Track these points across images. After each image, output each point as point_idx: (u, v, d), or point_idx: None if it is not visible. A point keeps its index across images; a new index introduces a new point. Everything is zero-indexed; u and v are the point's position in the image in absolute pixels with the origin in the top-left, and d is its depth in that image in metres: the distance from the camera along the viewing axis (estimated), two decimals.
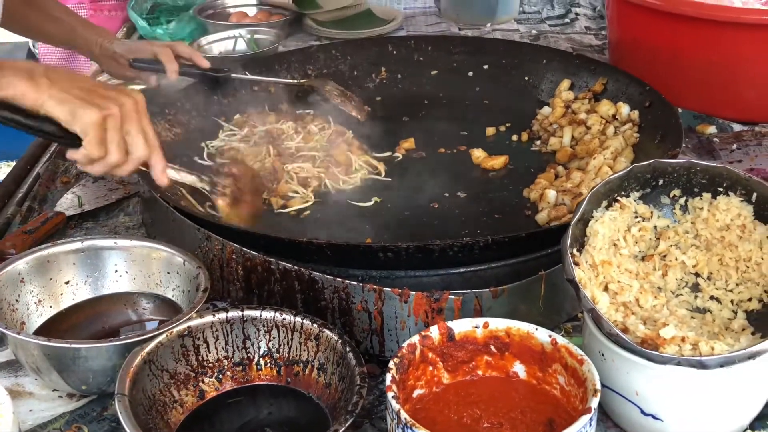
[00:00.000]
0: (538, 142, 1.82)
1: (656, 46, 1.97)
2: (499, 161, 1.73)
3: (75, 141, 1.25)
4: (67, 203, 1.67)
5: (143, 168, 1.33)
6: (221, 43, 2.35)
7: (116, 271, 1.34)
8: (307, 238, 1.31)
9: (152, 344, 1.12)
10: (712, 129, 1.91)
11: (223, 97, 1.90)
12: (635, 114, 1.75)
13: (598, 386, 1.03)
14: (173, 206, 1.43)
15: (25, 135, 1.29)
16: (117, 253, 1.33)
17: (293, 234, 1.48)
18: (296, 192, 1.63)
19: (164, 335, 1.14)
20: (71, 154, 1.27)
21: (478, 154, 1.75)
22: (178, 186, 1.58)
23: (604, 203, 1.22)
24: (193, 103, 1.84)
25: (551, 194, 1.54)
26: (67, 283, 1.32)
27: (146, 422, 1.07)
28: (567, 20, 2.62)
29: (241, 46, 2.37)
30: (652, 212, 1.25)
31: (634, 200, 1.24)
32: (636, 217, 1.24)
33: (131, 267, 1.34)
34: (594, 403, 1.00)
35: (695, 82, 1.94)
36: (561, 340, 1.11)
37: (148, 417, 1.09)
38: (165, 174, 1.35)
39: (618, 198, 1.23)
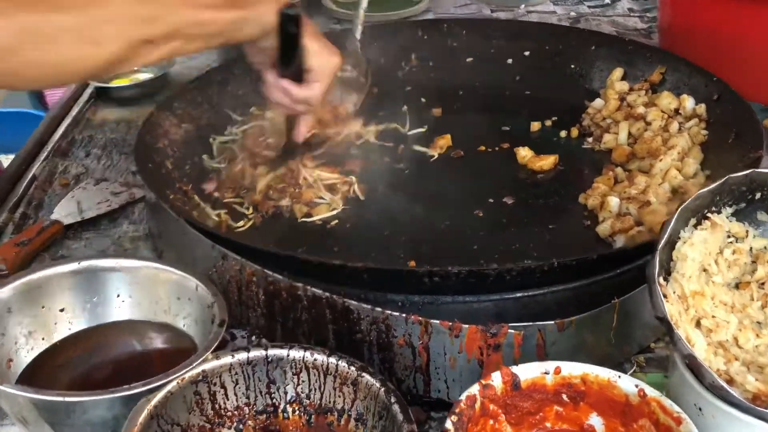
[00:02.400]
0: (590, 139, 1.62)
1: (717, 29, 1.76)
2: (548, 161, 1.54)
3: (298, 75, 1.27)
4: (65, 209, 1.49)
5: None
6: None
7: (118, 296, 1.16)
8: (341, 260, 1.12)
9: (160, 395, 0.94)
10: None
11: (237, 89, 1.71)
12: (701, 108, 1.55)
13: None
14: (184, 218, 1.24)
15: (25, 126, 1.13)
16: (119, 276, 1.15)
17: (321, 251, 1.30)
18: (322, 198, 1.44)
19: (175, 383, 0.96)
20: (290, 87, 1.28)
21: (524, 153, 1.56)
22: (190, 193, 1.41)
23: (693, 221, 1.03)
24: (205, 96, 1.65)
25: (614, 202, 1.35)
26: (62, 310, 1.14)
27: None
28: (608, 1, 2.41)
29: None
30: (747, 231, 1.06)
31: (727, 217, 1.05)
32: (728, 236, 1.06)
33: (136, 291, 1.16)
34: None
35: (763, 70, 1.73)
36: (651, 392, 0.92)
37: None
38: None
39: (708, 215, 1.04)
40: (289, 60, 1.26)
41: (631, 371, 1.15)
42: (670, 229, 1.00)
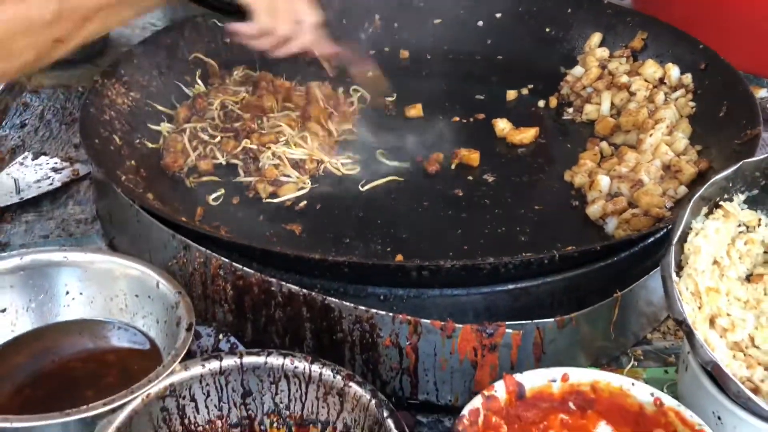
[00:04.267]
0: (570, 110, 1.53)
1: None
2: (528, 134, 1.44)
3: (241, 15, 1.21)
4: (1, 189, 1.34)
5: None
6: None
7: (68, 293, 1.03)
8: (320, 255, 1.01)
9: (123, 415, 0.83)
10: (763, 92, 1.65)
11: (188, 53, 1.56)
12: (688, 78, 1.47)
13: None
14: (139, 204, 1.11)
15: None
16: (68, 270, 1.03)
17: (290, 237, 1.19)
18: (288, 176, 1.32)
19: (139, 400, 0.85)
20: (240, 27, 1.23)
21: (502, 125, 1.46)
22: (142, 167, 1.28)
23: (704, 210, 0.95)
24: (154, 61, 1.50)
25: (604, 182, 1.26)
26: (2, 311, 1.01)
27: None
28: None
29: None
30: (759, 220, 0.99)
31: (739, 204, 0.98)
32: (739, 225, 0.98)
33: (87, 287, 1.04)
34: None
35: (743, 37, 1.66)
36: (668, 401, 0.85)
37: None
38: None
39: (721, 203, 0.96)
40: (218, 7, 1.22)
41: (629, 366, 1.08)
42: (686, 221, 0.91)
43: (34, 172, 1.39)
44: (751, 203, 0.99)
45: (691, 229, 0.94)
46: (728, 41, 1.62)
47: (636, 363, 1.09)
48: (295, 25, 1.25)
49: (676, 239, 0.90)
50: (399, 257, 1.13)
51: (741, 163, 0.95)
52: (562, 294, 1.08)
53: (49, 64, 1.07)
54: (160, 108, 1.45)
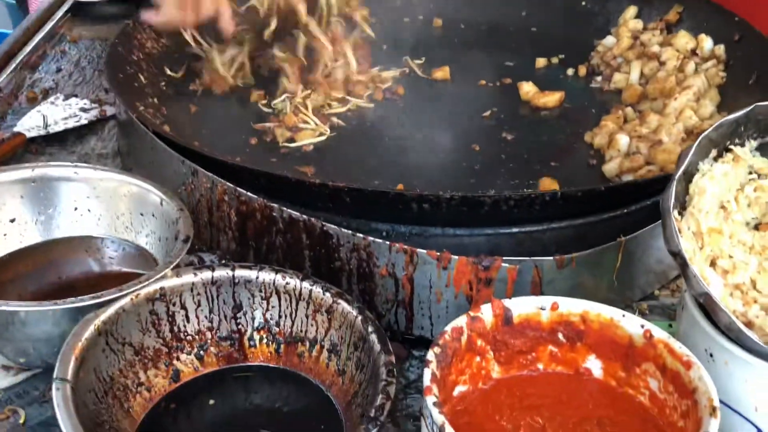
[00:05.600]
0: (599, 78, 1.52)
1: None
2: (553, 98, 1.43)
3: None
4: (29, 123, 1.38)
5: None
6: None
7: (76, 209, 1.05)
8: (321, 179, 1.02)
9: (110, 310, 0.84)
10: None
11: None
12: (720, 49, 1.44)
13: (716, 402, 0.75)
14: (153, 130, 1.13)
15: None
16: (77, 186, 1.05)
17: (302, 174, 1.20)
18: (307, 122, 1.33)
19: (128, 299, 0.86)
20: (151, 17, 1.28)
21: (527, 88, 1.45)
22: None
23: (713, 153, 0.93)
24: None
25: (623, 140, 1.24)
26: (12, 221, 1.03)
27: (98, 412, 0.80)
28: None
29: None
30: None
31: (750, 151, 0.95)
32: (750, 172, 0.95)
33: (96, 204, 1.05)
34: (712, 427, 0.73)
35: None
36: (658, 333, 0.83)
37: (101, 406, 0.81)
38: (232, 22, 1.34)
39: (731, 147, 0.94)
40: None
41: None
42: (689, 159, 0.89)
43: (63, 111, 1.42)
44: (764, 150, 0.96)
45: (698, 170, 0.92)
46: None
47: (641, 316, 1.07)
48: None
49: (678, 175, 0.88)
50: (400, 186, 1.12)
51: (754, 105, 0.93)
52: (569, 243, 1.06)
53: None
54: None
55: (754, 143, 0.95)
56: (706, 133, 0.91)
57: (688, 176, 0.91)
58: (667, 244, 0.85)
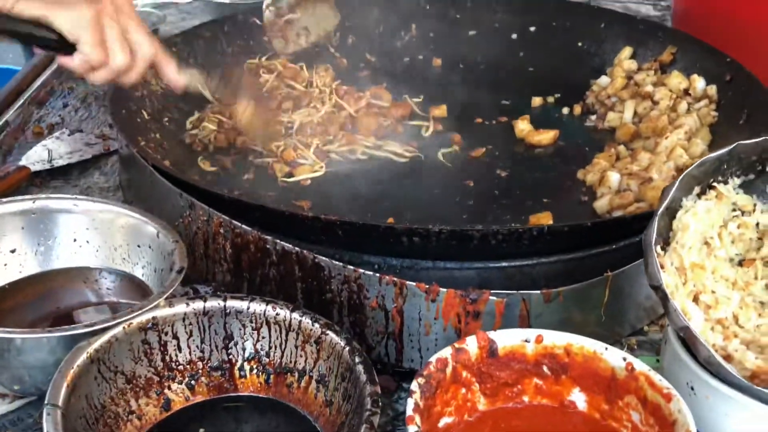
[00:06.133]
0: (593, 117, 1.54)
1: (733, 13, 1.68)
2: (547, 136, 1.45)
3: (69, 47, 1.08)
4: (35, 156, 1.41)
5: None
6: None
7: (75, 240, 1.08)
8: (314, 212, 1.04)
9: (103, 339, 0.86)
10: None
11: (227, 45, 1.63)
12: (712, 89, 1.46)
13: None
14: (152, 164, 1.16)
15: None
16: (77, 218, 1.08)
17: (298, 208, 1.22)
18: (305, 158, 1.36)
19: (120, 328, 0.88)
20: (66, 61, 1.10)
21: (522, 126, 1.47)
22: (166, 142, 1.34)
23: (696, 190, 0.95)
24: (192, 50, 1.57)
25: (614, 177, 1.27)
26: (12, 251, 1.06)
27: None
28: None
29: None
30: (755, 205, 0.98)
31: (734, 188, 0.97)
32: (734, 210, 0.97)
33: (94, 236, 1.08)
34: None
35: None
36: (639, 366, 0.84)
37: None
38: (180, 73, 1.20)
39: (714, 184, 0.96)
40: (40, 44, 1.12)
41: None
42: (672, 195, 0.91)
43: (68, 145, 1.45)
44: (747, 188, 0.98)
45: (681, 206, 0.94)
46: (763, 60, 1.61)
47: (629, 351, 1.08)
48: (130, 56, 1.12)
49: (660, 211, 0.90)
50: (390, 220, 1.15)
51: (736, 144, 0.95)
52: (558, 277, 1.07)
53: None
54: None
55: (737, 181, 0.97)
56: (689, 170, 0.93)
57: (672, 212, 0.93)
58: (649, 279, 0.86)
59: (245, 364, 0.94)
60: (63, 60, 1.12)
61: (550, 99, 1.61)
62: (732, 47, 1.56)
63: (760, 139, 0.96)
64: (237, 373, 0.94)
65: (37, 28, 1.06)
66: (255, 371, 0.94)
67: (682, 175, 0.92)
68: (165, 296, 0.92)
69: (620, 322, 1.09)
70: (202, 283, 1.13)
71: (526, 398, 0.90)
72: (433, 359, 0.84)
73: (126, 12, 1.12)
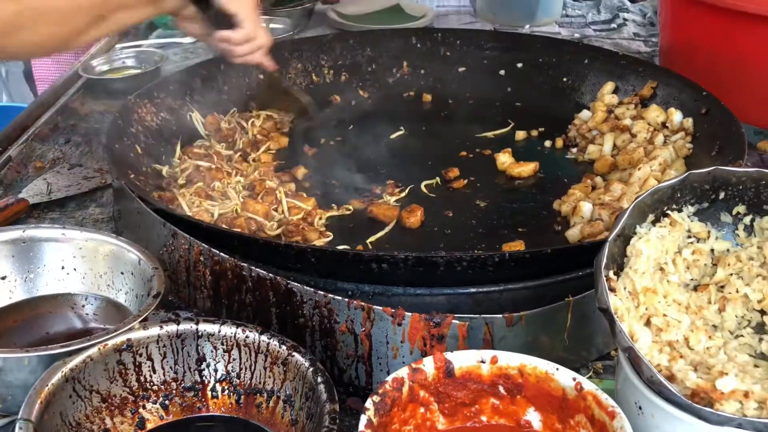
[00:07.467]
0: (574, 150, 1.59)
1: (715, 50, 1.72)
2: (527, 168, 1.50)
3: (232, 24, 1.38)
4: (34, 189, 1.47)
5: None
6: None
7: (63, 267, 1.13)
8: (285, 241, 1.09)
9: (78, 359, 0.91)
10: None
11: (223, 84, 1.70)
12: (689, 122, 1.51)
13: None
14: (138, 195, 1.22)
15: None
16: (64, 247, 1.13)
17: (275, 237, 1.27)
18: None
19: (96, 348, 0.92)
20: (231, 34, 1.39)
21: (503, 159, 1.52)
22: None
23: (651, 217, 0.98)
24: (188, 88, 1.64)
25: (586, 207, 1.30)
26: (3, 278, 1.11)
27: None
28: (614, 26, 2.39)
29: None
30: (709, 232, 1.01)
31: (688, 216, 1.00)
32: (689, 237, 1.01)
33: (80, 264, 1.13)
34: None
35: (760, 92, 1.68)
36: (587, 385, 0.87)
37: None
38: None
39: (668, 212, 0.99)
40: (212, 15, 1.36)
41: (587, 376, 1.10)
42: (623, 222, 0.95)
43: (67, 179, 1.52)
44: (702, 216, 1.01)
45: (635, 233, 0.97)
46: (746, 97, 1.66)
47: (594, 375, 1.11)
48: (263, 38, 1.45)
49: (611, 237, 0.93)
50: (359, 247, 1.19)
51: (688, 173, 0.99)
52: (525, 303, 1.11)
53: (88, 40, 1.19)
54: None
55: (691, 209, 1.01)
56: (641, 197, 0.97)
57: (627, 239, 0.97)
58: (598, 302, 0.90)
59: (217, 384, 0.98)
60: (226, 33, 1.39)
61: (534, 132, 1.66)
62: (710, 82, 1.60)
63: (711, 168, 0.99)
64: (209, 393, 0.98)
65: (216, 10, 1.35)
66: (226, 392, 0.98)
67: (633, 203, 0.96)
68: (140, 320, 0.96)
69: (586, 346, 1.12)
70: (185, 308, 1.18)
71: (484, 418, 0.93)
72: (389, 378, 0.87)
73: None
